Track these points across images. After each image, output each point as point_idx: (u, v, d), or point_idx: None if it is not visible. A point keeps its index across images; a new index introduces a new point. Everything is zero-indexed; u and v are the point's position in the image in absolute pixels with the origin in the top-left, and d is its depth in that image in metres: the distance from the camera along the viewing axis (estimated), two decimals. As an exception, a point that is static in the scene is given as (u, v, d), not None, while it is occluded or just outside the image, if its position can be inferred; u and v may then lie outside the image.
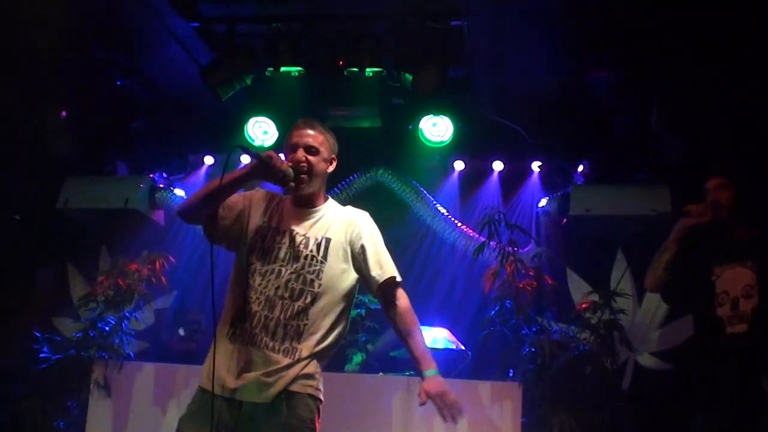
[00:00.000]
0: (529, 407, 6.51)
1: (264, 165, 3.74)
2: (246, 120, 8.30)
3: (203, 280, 8.33)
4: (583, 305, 6.93)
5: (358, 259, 3.98)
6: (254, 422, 3.76)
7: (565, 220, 7.92)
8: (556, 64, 7.60)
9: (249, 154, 3.77)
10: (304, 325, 3.82)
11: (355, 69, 7.43)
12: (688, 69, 7.22)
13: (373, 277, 3.98)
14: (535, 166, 8.45)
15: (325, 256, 3.90)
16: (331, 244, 3.94)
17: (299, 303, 3.82)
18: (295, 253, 3.88)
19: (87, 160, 8.59)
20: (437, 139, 8.08)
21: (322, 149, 4.00)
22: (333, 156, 4.11)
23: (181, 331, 8.28)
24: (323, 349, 3.89)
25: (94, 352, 7.12)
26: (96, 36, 7.68)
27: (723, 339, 5.02)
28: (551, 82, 7.81)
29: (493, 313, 6.80)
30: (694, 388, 5.17)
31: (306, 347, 3.82)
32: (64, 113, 8.48)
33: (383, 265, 4.01)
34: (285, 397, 3.76)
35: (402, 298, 4.06)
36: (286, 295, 3.81)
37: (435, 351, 7.26)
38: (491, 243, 6.93)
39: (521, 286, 6.83)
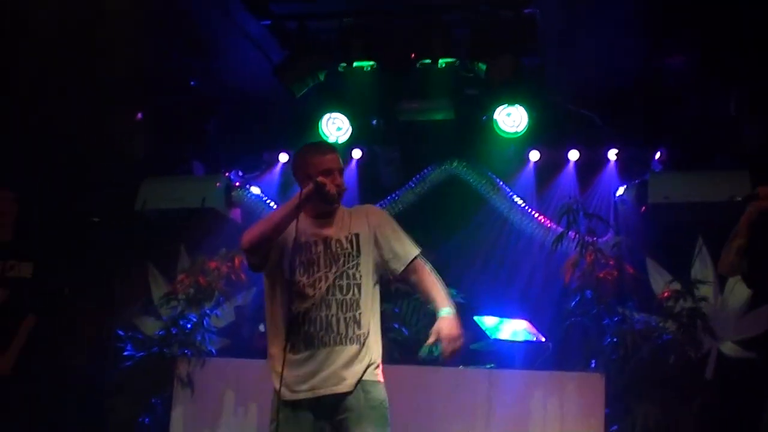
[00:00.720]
0: (612, 398, 6.41)
1: (320, 190, 4.20)
2: (320, 116, 8.34)
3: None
4: (665, 294, 6.81)
5: (381, 243, 4.37)
6: (337, 410, 4.18)
7: (643, 208, 7.81)
8: (631, 49, 7.49)
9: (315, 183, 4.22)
10: (360, 313, 4.25)
11: (427, 61, 7.42)
12: (768, 51, 7.07)
13: (401, 257, 4.36)
14: (612, 154, 8.33)
15: (358, 250, 4.32)
16: (361, 237, 4.35)
17: (349, 296, 4.26)
18: (333, 256, 4.29)
19: (163, 161, 8.70)
20: (512, 130, 8.02)
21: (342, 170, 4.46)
22: None
23: (262, 327, 8.30)
24: (377, 329, 4.34)
25: (177, 350, 7.19)
26: (170, 38, 7.77)
27: None
28: (626, 67, 7.71)
29: (573, 303, 6.72)
30: None
31: (366, 331, 4.26)
32: (140, 115, 8.58)
33: (407, 245, 4.39)
34: (360, 386, 4.18)
35: (428, 269, 4.38)
36: (337, 293, 4.25)
37: (516, 343, 7.24)
38: (570, 233, 6.86)
39: (601, 275, 6.73)
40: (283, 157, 8.83)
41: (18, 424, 5.99)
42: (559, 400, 6.39)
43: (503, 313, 7.48)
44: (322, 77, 7.65)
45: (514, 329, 7.29)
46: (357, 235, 4.33)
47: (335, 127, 8.35)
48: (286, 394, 4.19)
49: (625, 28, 7.19)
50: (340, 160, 4.40)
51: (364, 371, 4.21)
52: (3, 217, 6.23)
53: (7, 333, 6.02)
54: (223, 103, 8.76)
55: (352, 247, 4.31)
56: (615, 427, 6.35)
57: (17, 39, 6.71)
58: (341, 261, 4.28)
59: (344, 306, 4.23)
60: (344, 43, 7.50)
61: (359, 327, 4.23)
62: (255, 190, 8.70)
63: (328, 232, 4.33)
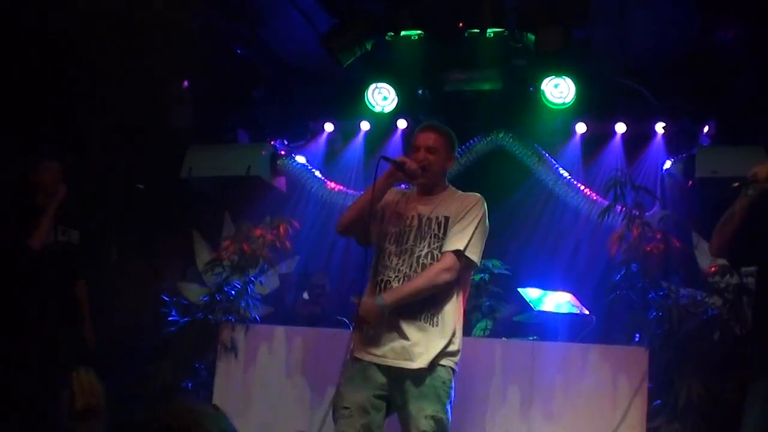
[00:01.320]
0: (655, 372, 6.38)
1: (400, 168, 4.41)
2: (366, 86, 8.33)
3: (326, 245, 8.43)
4: (712, 269, 6.76)
5: (450, 228, 4.48)
6: (400, 384, 4.35)
7: (691, 182, 7.75)
8: (681, 21, 7.42)
9: (388, 161, 4.47)
10: (437, 294, 4.38)
11: (475, 30, 7.37)
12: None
13: (444, 243, 4.45)
14: (659, 127, 8.26)
15: (444, 233, 4.45)
16: (450, 221, 4.48)
17: None
18: (422, 233, 4.47)
19: (209, 130, 8.73)
20: (559, 101, 7.96)
21: (441, 149, 4.59)
22: (451, 154, 4.71)
23: (306, 295, 8.39)
24: (455, 311, 4.45)
25: (221, 316, 7.22)
26: (216, 6, 7.79)
27: None
28: (675, 40, 7.65)
29: (618, 277, 6.67)
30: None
31: (443, 314, 4.39)
32: (186, 83, 8.61)
33: (458, 237, 4.44)
34: (428, 367, 4.32)
35: (445, 266, 4.42)
36: (419, 270, 4.40)
37: (559, 315, 7.22)
38: (616, 206, 6.81)
39: (648, 249, 6.67)
40: (329, 127, 8.85)
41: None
42: (602, 374, 6.37)
43: (547, 285, 7.46)
44: (369, 46, 7.63)
45: (558, 301, 7.27)
46: (446, 218, 4.48)
47: (381, 96, 8.34)
48: (359, 352, 4.44)
49: (675, 1, 7.11)
50: (438, 138, 4.60)
51: (439, 355, 4.35)
52: (52, 186, 6.33)
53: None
54: (270, 72, 8.77)
55: (439, 229, 4.46)
56: (658, 402, 6.30)
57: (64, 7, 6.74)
58: (428, 240, 4.46)
59: None
60: (392, 12, 7.47)
61: (435, 307, 4.38)
62: (300, 159, 8.72)
63: (425, 209, 4.54)
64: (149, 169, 8.58)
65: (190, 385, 7.16)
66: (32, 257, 6.12)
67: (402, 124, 8.64)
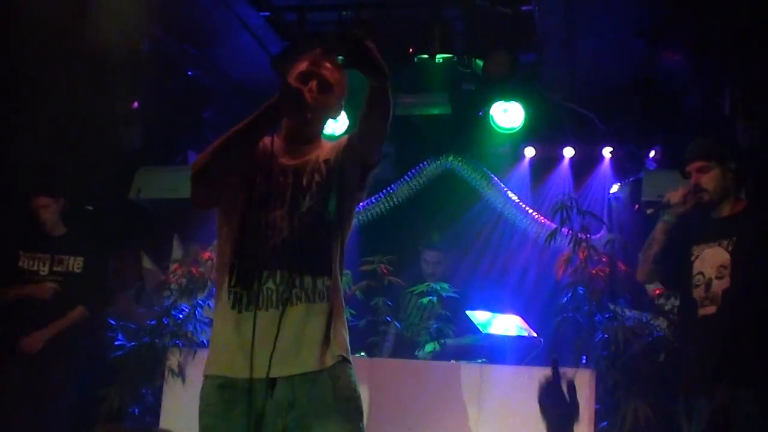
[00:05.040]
0: (602, 394, 6.44)
1: (293, 95, 3.32)
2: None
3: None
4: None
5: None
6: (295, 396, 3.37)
7: (637, 206, 7.84)
8: (628, 46, 7.52)
9: (290, 88, 3.32)
10: None
11: (425, 56, 7.40)
12: (763, 51, 7.08)
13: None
14: (607, 152, 8.38)
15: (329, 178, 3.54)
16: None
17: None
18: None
19: (159, 150, 8.68)
20: (508, 126, 8.02)
21: (337, 87, 3.59)
22: (341, 103, 3.71)
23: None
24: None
25: (169, 340, 7.18)
26: (167, 27, 7.76)
27: (694, 321, 4.95)
28: (623, 65, 7.74)
29: (565, 299, 6.73)
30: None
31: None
32: (135, 104, 8.57)
33: None
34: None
35: None
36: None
37: (508, 338, 7.25)
38: (563, 229, 6.88)
39: (594, 272, 6.75)
40: (279, 148, 8.81)
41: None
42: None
43: (495, 307, 7.49)
44: (319, 69, 7.62)
45: (506, 324, 7.30)
46: (326, 162, 3.54)
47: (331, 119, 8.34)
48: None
49: (622, 28, 7.22)
50: (336, 71, 3.59)
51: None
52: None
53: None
54: (220, 93, 8.74)
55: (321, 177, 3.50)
56: (605, 423, 6.36)
57: (13, 25, 6.68)
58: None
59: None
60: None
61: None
62: (251, 180, 8.67)
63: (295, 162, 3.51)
64: (99, 190, 8.50)
65: (136, 410, 7.09)
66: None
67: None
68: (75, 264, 6.50)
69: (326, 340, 3.28)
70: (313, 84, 3.49)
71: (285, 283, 3.27)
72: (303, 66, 3.53)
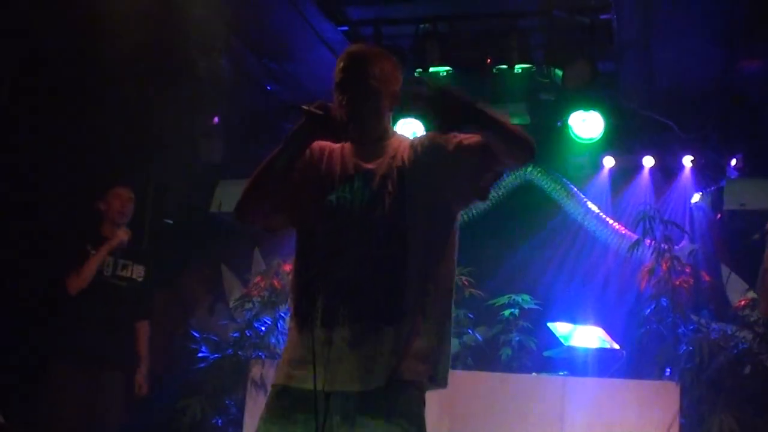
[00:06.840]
0: (687, 407, 6.36)
1: (320, 118, 3.14)
2: (395, 122, 8.33)
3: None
4: (741, 302, 6.75)
5: None
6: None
7: (719, 215, 7.74)
8: (707, 54, 7.41)
9: (302, 112, 3.16)
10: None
11: (503, 66, 7.40)
12: None
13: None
14: (687, 160, 8.27)
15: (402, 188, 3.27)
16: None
17: None
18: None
19: (239, 164, 8.78)
20: (587, 135, 7.94)
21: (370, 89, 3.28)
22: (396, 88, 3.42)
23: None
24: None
25: (251, 352, 7.27)
26: (247, 42, 7.86)
27: None
28: (702, 73, 7.64)
29: (648, 311, 6.68)
30: None
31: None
32: (216, 119, 8.69)
33: None
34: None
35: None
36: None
37: (589, 350, 7.20)
38: (645, 240, 6.82)
39: (677, 283, 6.69)
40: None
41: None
42: (633, 409, 6.35)
43: (577, 319, 7.45)
44: (397, 82, 7.66)
45: (587, 336, 7.25)
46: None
47: (410, 132, 8.36)
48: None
49: (701, 35, 7.12)
50: (368, 67, 3.25)
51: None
52: (120, 216, 6.39)
53: None
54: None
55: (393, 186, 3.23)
56: (691, 437, 6.29)
57: (101, 39, 6.80)
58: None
59: None
60: (420, 48, 7.51)
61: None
62: (333, 193, 8.72)
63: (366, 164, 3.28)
64: (178, 203, 8.63)
65: (219, 421, 7.18)
66: (70, 300, 6.07)
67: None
68: (136, 272, 6.45)
69: (394, 359, 3.01)
70: (344, 97, 3.23)
71: (351, 299, 3.06)
72: (335, 79, 3.30)
